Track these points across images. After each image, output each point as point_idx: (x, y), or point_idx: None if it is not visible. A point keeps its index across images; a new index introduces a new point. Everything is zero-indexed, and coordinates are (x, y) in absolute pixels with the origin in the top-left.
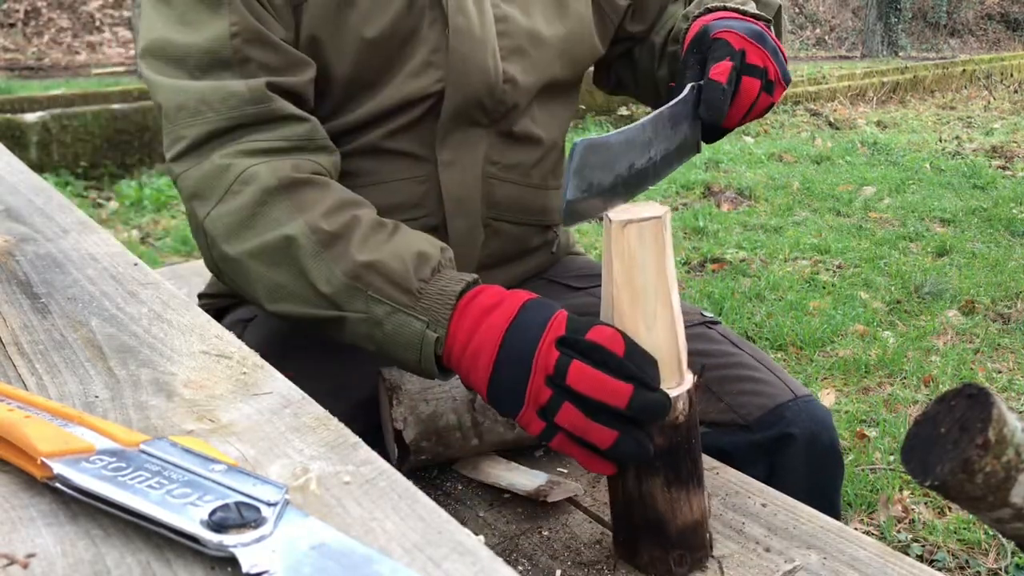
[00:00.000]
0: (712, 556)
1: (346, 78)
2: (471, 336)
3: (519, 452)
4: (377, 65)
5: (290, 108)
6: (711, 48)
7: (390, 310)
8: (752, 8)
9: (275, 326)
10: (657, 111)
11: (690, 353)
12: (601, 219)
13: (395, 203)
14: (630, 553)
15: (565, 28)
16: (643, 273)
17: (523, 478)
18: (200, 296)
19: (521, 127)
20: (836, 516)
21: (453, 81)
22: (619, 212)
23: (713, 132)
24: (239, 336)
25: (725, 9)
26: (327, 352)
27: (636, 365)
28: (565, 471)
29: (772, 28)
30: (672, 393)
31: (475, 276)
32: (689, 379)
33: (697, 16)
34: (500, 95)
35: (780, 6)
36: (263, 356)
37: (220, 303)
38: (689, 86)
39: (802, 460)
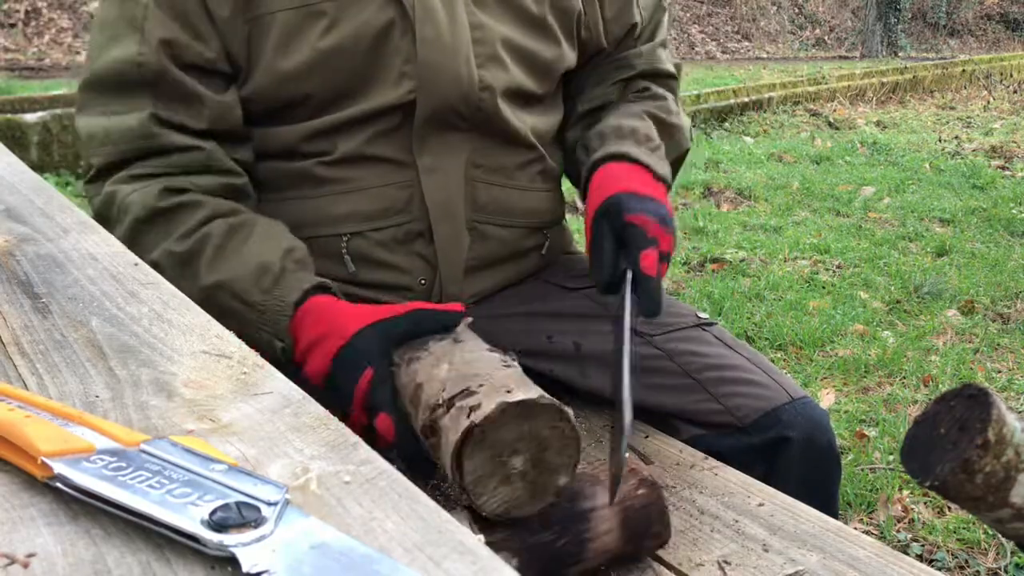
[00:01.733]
0: (719, 562)
1: (317, 88)
2: (308, 351)
3: None
4: (348, 75)
5: (178, 139)
6: (630, 233)
7: (242, 323)
8: (649, 150)
9: None
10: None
11: (685, 355)
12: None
13: (380, 208)
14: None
15: (541, 41)
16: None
17: None
18: None
19: (504, 130)
20: (834, 517)
21: (424, 90)
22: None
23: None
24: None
25: (627, 159)
26: None
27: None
28: None
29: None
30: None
31: (314, 282)
32: None
33: (599, 161)
34: (476, 102)
35: (688, 150)
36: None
37: None
38: (628, 277)
39: (799, 463)
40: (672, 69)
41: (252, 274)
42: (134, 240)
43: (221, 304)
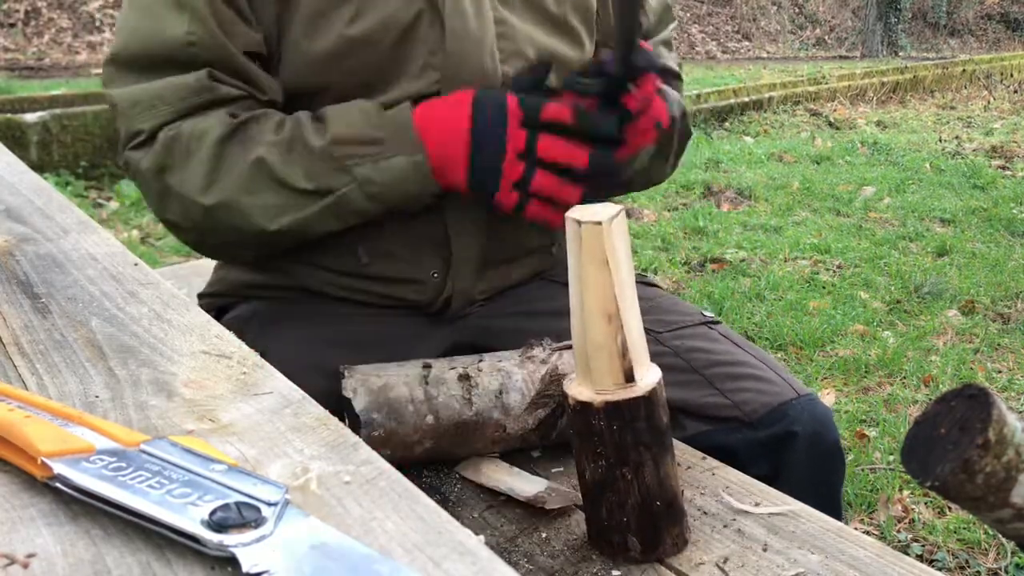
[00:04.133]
0: (717, 565)
1: (342, 76)
2: (443, 143)
3: (518, 451)
4: (374, 66)
5: (236, 92)
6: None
7: (372, 163)
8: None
9: (276, 322)
10: None
11: (693, 351)
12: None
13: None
14: (652, 547)
15: (564, 42)
16: (624, 264)
17: (523, 484)
18: (200, 296)
19: None
20: (838, 514)
21: (449, 81)
22: (579, 214)
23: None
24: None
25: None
26: (332, 343)
27: (591, 125)
28: (561, 469)
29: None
30: (653, 377)
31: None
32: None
33: None
34: None
35: (691, 135)
36: (267, 349)
37: (220, 302)
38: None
39: (805, 458)
40: (675, 67)
41: (360, 118)
42: (220, 159)
43: (343, 155)
